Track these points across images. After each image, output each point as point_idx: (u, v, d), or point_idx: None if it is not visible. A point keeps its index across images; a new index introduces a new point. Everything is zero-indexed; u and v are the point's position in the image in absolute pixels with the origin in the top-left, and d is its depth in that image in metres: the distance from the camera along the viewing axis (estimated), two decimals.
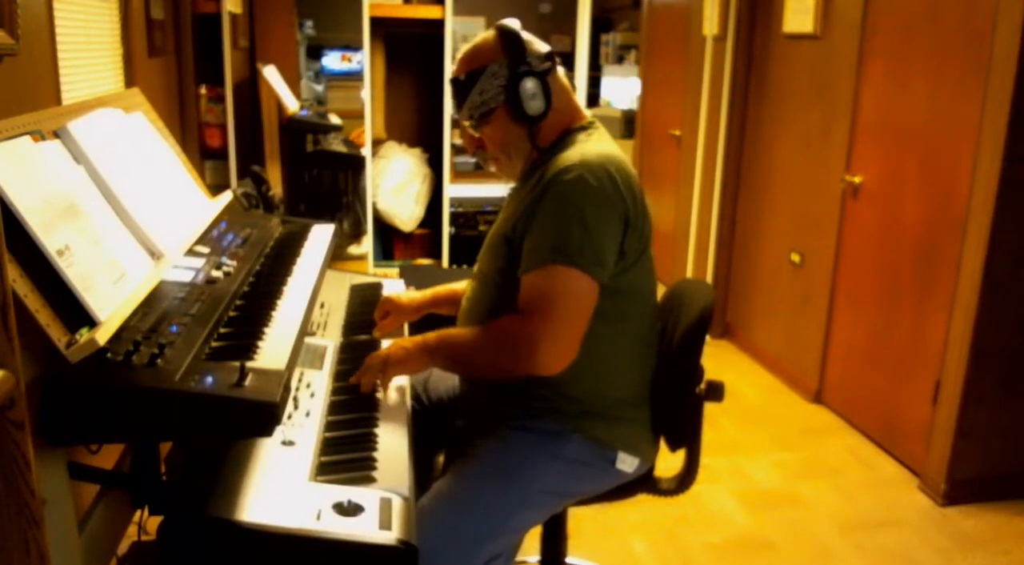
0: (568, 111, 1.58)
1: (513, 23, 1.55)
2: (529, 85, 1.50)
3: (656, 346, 1.63)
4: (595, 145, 1.51)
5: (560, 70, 1.58)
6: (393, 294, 1.85)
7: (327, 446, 1.33)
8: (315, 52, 5.12)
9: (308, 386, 1.51)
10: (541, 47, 1.56)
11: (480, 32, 1.60)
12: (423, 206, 4.37)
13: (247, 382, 1.10)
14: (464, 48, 1.58)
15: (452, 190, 4.17)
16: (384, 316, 1.82)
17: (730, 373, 3.67)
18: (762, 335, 3.86)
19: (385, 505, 1.17)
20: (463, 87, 1.55)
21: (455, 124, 4.17)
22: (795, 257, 3.53)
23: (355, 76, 4.69)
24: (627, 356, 1.55)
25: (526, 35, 1.55)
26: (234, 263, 1.53)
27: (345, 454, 1.32)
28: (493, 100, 1.52)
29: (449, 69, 3.94)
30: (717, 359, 3.87)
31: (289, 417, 1.37)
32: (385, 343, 1.78)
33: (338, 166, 4.24)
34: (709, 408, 1.63)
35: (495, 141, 1.59)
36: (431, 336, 1.53)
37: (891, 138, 2.94)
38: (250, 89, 4.14)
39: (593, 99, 6.61)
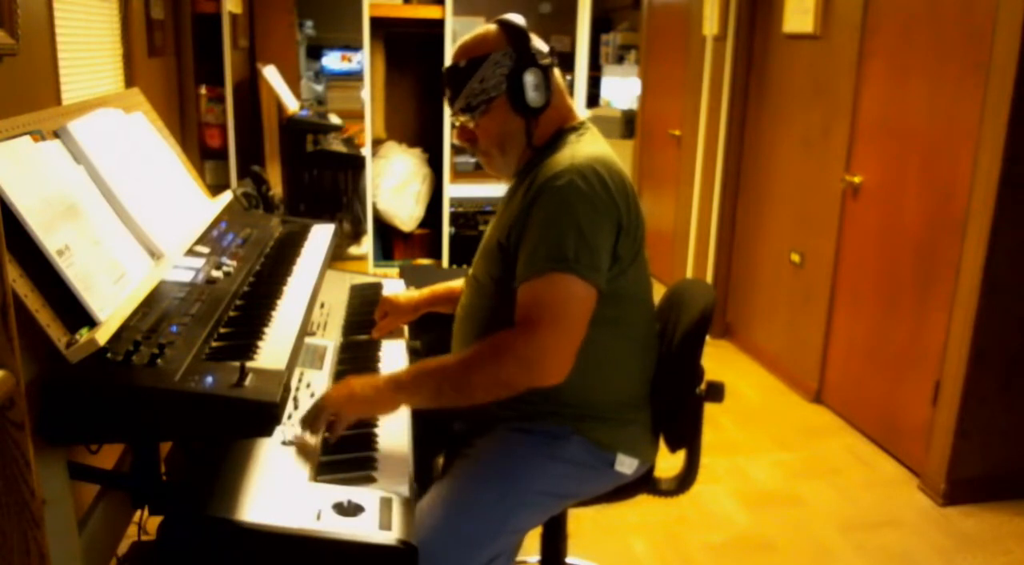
0: (562, 111, 1.57)
1: (516, 18, 1.53)
2: (533, 75, 1.48)
3: (655, 348, 1.63)
4: (585, 147, 1.49)
5: (556, 70, 1.58)
6: (391, 294, 1.85)
7: (327, 446, 1.33)
8: (315, 52, 5.13)
9: (308, 386, 1.51)
10: (542, 45, 1.55)
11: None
12: (423, 206, 4.37)
13: (247, 382, 1.10)
14: (464, 38, 1.55)
15: (452, 190, 4.17)
16: (383, 316, 1.82)
17: (730, 373, 3.67)
18: (762, 335, 3.86)
19: (385, 505, 1.17)
20: (462, 74, 1.51)
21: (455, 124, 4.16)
22: (795, 257, 3.53)
23: (355, 76, 4.70)
24: (625, 360, 1.54)
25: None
26: (234, 263, 1.54)
27: (345, 454, 1.32)
28: (495, 89, 1.50)
29: None
30: (717, 359, 3.87)
31: (289, 417, 1.37)
32: (385, 343, 1.78)
33: (338, 166, 4.24)
34: (709, 408, 1.62)
35: (491, 133, 1.55)
36: (402, 372, 1.42)
37: (891, 138, 2.94)
38: (250, 89, 4.15)
39: (593, 99, 6.61)
